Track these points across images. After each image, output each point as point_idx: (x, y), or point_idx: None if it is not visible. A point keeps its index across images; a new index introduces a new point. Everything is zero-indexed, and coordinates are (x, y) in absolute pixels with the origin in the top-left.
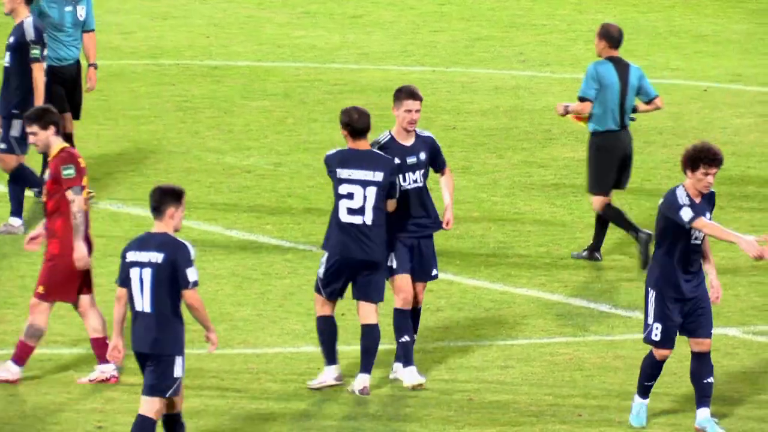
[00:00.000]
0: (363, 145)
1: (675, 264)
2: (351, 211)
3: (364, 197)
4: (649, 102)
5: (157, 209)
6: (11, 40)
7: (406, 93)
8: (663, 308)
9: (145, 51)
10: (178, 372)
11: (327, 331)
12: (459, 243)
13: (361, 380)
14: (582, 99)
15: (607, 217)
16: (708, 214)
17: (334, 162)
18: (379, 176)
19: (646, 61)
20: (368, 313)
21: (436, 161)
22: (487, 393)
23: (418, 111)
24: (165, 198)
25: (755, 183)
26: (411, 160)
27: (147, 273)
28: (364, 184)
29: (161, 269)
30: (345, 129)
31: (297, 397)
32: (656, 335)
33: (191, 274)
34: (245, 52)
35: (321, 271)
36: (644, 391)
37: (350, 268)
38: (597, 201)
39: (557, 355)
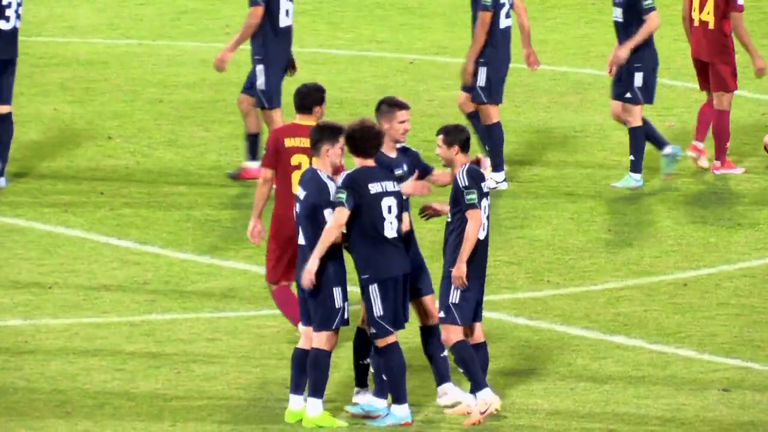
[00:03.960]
0: None
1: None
2: None
3: None
4: None
5: (314, 146)
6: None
7: (397, 104)
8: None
9: None
10: (339, 302)
11: None
12: (166, 216)
13: None
14: None
15: None
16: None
17: None
18: None
19: (352, 33)
20: None
21: (423, 169)
22: (194, 365)
23: (408, 120)
24: (321, 135)
25: None
26: (399, 172)
27: (298, 207)
28: None
29: (303, 204)
30: None
31: (4, 371)
32: None
33: (327, 214)
34: None
35: None
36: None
37: None
38: None
39: (264, 328)
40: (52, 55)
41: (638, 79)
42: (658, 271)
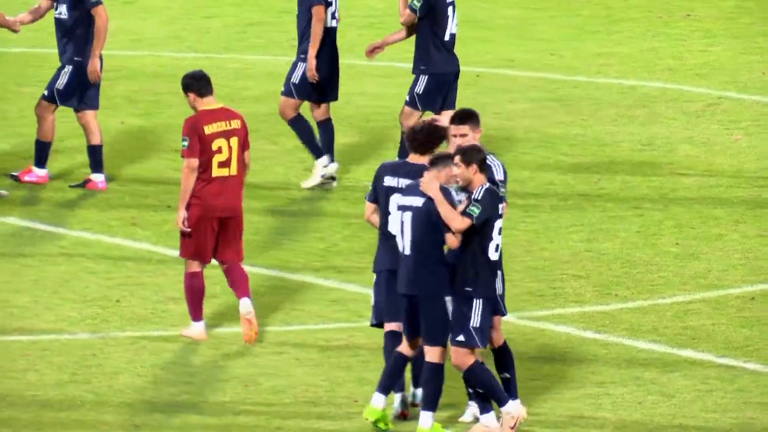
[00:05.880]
0: None
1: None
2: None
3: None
4: None
5: (431, 162)
6: None
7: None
8: None
9: None
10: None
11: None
12: None
13: None
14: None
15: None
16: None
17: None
18: None
19: None
20: None
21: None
22: (262, 378)
23: (463, 135)
24: (436, 161)
25: (529, 168)
26: None
27: (408, 216)
28: None
29: (416, 212)
30: None
31: (73, 384)
32: None
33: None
34: (19, 38)
35: None
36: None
37: None
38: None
39: (332, 341)
40: (120, 67)
41: (420, 84)
42: (726, 284)
